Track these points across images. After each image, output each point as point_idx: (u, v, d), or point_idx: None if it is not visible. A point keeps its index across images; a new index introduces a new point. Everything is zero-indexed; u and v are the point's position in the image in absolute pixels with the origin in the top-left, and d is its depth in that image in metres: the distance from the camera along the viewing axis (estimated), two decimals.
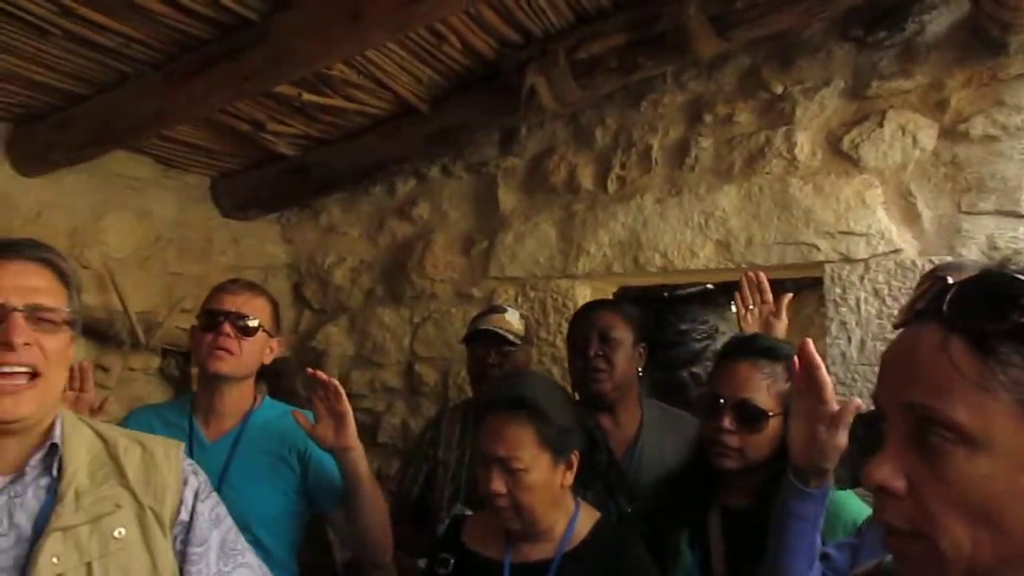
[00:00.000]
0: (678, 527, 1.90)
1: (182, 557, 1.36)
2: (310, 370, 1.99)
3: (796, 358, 1.53)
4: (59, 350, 1.30)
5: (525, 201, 3.53)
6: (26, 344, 1.23)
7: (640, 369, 2.46)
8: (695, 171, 3.15)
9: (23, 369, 1.25)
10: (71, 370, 2.02)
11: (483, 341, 2.64)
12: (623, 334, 2.40)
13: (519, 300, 3.45)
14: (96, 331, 3.14)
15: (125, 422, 2.10)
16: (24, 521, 1.25)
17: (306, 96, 2.96)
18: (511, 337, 2.62)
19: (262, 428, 2.11)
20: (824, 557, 1.57)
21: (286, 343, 3.95)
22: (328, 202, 3.96)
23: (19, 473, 1.28)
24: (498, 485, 1.75)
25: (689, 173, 3.16)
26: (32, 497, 1.27)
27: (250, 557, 1.47)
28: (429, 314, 3.68)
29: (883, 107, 2.84)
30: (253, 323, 2.07)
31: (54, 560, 1.21)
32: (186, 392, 3.38)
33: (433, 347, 3.65)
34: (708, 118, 3.14)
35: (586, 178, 3.37)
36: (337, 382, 1.95)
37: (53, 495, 1.28)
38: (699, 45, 2.73)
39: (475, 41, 2.85)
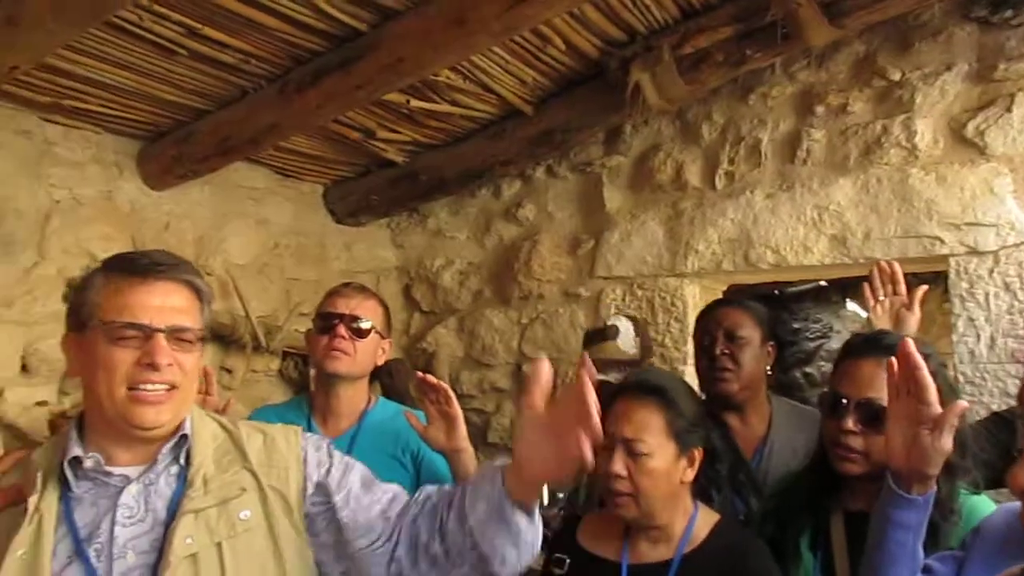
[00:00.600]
0: (799, 529, 1.84)
1: (329, 514, 1.41)
2: (420, 374, 2.03)
3: (893, 358, 1.47)
4: (194, 365, 1.38)
5: (631, 200, 3.51)
6: (168, 364, 1.31)
7: (769, 368, 2.40)
8: (807, 164, 3.06)
9: (164, 386, 1.32)
10: None
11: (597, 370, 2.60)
12: (750, 332, 2.34)
13: (626, 299, 3.44)
14: (221, 335, 3.29)
15: (249, 419, 2.20)
16: (159, 506, 1.33)
17: (414, 103, 3.03)
18: (625, 369, 2.56)
19: (377, 427, 2.16)
20: (926, 569, 1.50)
21: (398, 345, 4.05)
22: (435, 206, 4.03)
23: (152, 462, 1.36)
24: (619, 466, 1.74)
25: (801, 166, 3.08)
26: (164, 484, 1.35)
27: (395, 486, 1.51)
28: (537, 315, 3.69)
29: (1011, 90, 2.70)
30: (366, 325, 2.13)
31: (188, 541, 1.28)
32: (304, 393, 3.51)
33: (541, 347, 3.66)
34: (820, 109, 3.05)
35: (693, 175, 3.32)
36: (447, 385, 1.98)
37: (183, 481, 1.35)
38: (810, 34, 2.66)
39: (579, 41, 2.85)
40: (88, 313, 1.34)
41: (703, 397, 2.40)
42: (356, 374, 2.15)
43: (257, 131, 2.96)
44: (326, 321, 2.13)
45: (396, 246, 4.20)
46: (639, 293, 3.42)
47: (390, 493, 1.47)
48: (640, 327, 2.72)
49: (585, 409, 1.18)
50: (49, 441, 1.45)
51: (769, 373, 2.41)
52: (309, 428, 2.15)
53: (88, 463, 1.32)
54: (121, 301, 1.32)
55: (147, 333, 1.31)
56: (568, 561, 1.89)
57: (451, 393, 1.97)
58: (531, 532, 1.34)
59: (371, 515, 1.41)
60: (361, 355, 2.13)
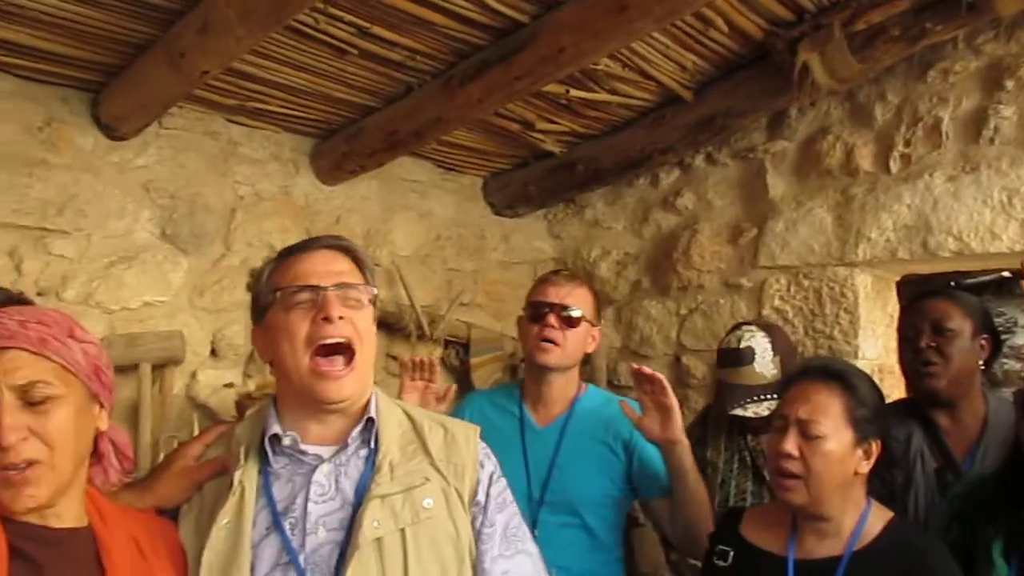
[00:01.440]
0: (992, 534, 1.72)
1: (477, 535, 1.44)
2: (634, 365, 2.02)
3: None
4: (367, 327, 1.45)
5: (796, 186, 3.38)
6: (341, 317, 1.39)
7: (983, 363, 2.24)
8: (995, 144, 2.85)
9: (342, 340, 1.39)
10: (420, 363, 2.26)
11: (730, 397, 2.40)
12: (960, 324, 2.18)
13: (791, 289, 3.32)
14: (387, 324, 3.42)
15: (460, 407, 2.28)
16: (348, 488, 1.40)
17: (573, 92, 3.04)
18: (765, 397, 2.35)
19: (588, 415, 2.17)
20: None
21: None
22: (592, 196, 4.03)
23: (343, 444, 1.43)
24: (790, 445, 1.70)
25: (987, 147, 2.86)
26: (354, 467, 1.42)
27: (530, 546, 1.51)
28: (696, 305, 3.62)
29: None
30: (576, 313, 2.14)
31: (375, 524, 1.33)
32: (515, 380, 3.58)
33: (701, 339, 3.59)
34: (1010, 83, 2.82)
35: (864, 158, 3.16)
36: (662, 376, 1.97)
37: (371, 465, 1.42)
38: (1000, 2, 2.47)
39: (743, 22, 2.76)
40: (265, 296, 1.45)
41: (909, 394, 2.28)
42: (566, 364, 2.16)
43: (421, 125, 3.05)
44: (536, 310, 2.16)
45: (553, 237, 4.23)
46: (805, 283, 3.29)
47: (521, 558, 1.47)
48: (779, 343, 2.47)
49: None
50: (249, 417, 1.55)
51: (983, 368, 2.24)
52: (520, 415, 2.20)
53: (286, 441, 1.41)
54: (291, 272, 1.44)
55: (318, 292, 1.40)
56: (732, 553, 1.86)
57: (666, 383, 1.96)
58: None
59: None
60: (571, 344, 2.14)
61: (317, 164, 3.39)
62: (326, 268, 1.44)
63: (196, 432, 2.70)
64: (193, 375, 2.98)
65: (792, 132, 3.38)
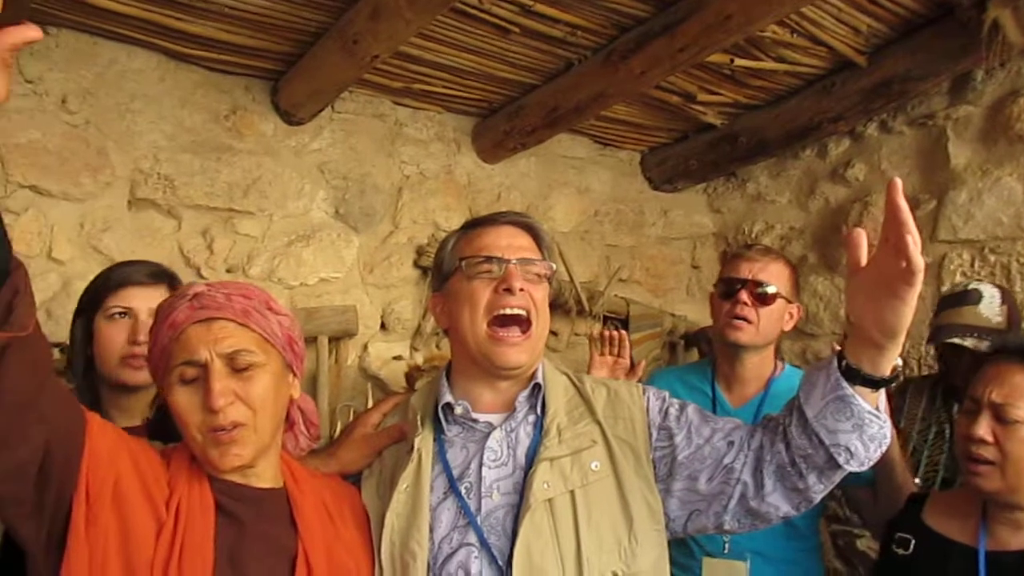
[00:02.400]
0: None
1: (674, 453, 1.45)
2: (836, 345, 1.94)
3: None
4: (543, 300, 1.50)
5: (982, 154, 3.14)
6: (521, 289, 1.44)
7: None
8: None
9: (520, 312, 1.44)
10: (611, 336, 2.28)
11: (949, 330, 2.21)
12: None
13: (975, 265, 3.10)
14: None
15: (648, 383, 2.28)
16: (519, 453, 1.44)
17: (737, 62, 2.94)
18: (987, 338, 2.15)
19: (784, 396, 2.07)
20: None
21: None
22: (754, 170, 3.91)
23: (511, 411, 1.48)
24: (983, 430, 1.60)
25: None
26: (524, 434, 1.47)
27: (735, 419, 1.52)
28: None
29: None
30: (771, 290, 2.05)
31: (545, 485, 1.37)
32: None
33: None
34: None
35: None
36: None
37: (539, 430, 1.46)
38: None
39: None
40: (448, 265, 1.52)
41: None
42: (759, 343, 2.09)
43: (582, 101, 3.04)
44: (728, 286, 2.10)
45: (713, 211, 4.14)
46: (992, 259, 3.07)
47: (732, 423, 1.48)
48: (1008, 297, 2.29)
49: (899, 217, 1.12)
50: (422, 388, 1.63)
51: None
52: (713, 394, 2.15)
53: (458, 410, 1.47)
54: (476, 243, 1.50)
55: (500, 264, 1.45)
56: (913, 542, 1.77)
57: None
58: (875, 423, 1.29)
59: (714, 442, 1.44)
60: (765, 323, 2.06)
61: (478, 143, 3.46)
62: (509, 242, 1.49)
63: (369, 402, 2.84)
64: (364, 347, 3.13)
65: (978, 96, 3.15)
